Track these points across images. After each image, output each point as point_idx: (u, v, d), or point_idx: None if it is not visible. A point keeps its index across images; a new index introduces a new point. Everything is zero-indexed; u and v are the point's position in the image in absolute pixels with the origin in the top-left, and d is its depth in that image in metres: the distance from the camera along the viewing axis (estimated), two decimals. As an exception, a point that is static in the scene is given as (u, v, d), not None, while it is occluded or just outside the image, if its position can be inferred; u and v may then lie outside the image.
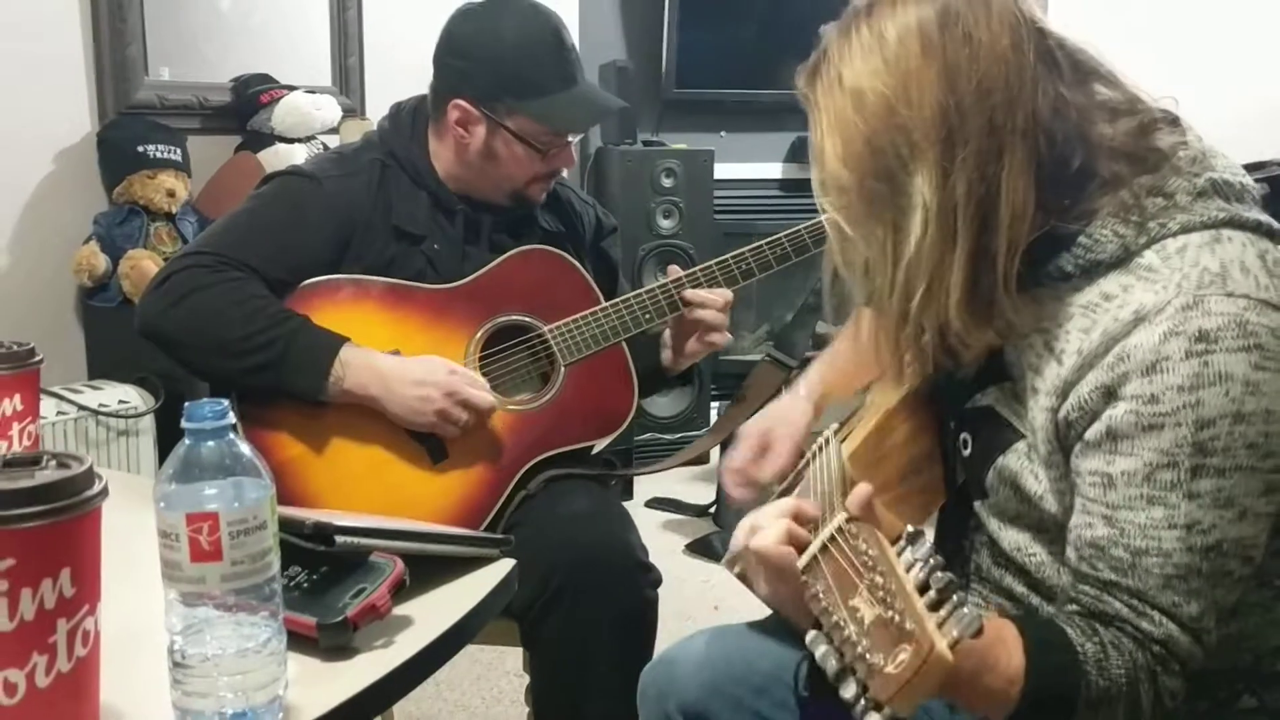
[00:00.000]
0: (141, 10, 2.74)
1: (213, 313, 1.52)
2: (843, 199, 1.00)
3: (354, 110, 3.15)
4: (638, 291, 1.70)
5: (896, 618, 0.70)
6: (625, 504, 3.33)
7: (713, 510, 3.29)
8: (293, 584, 0.95)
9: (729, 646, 1.21)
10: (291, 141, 2.79)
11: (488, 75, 1.61)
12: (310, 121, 2.81)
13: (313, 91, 2.88)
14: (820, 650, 0.75)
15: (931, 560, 0.72)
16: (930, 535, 0.82)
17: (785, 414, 1.34)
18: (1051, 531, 1.01)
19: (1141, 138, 0.97)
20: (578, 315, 1.67)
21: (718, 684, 1.17)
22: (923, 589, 0.71)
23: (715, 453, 3.35)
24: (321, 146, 2.81)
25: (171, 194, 2.60)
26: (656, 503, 3.42)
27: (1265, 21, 3.78)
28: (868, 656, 0.70)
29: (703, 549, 3.06)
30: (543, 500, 1.60)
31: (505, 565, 1.08)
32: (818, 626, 0.76)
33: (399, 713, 2.10)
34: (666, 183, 3.62)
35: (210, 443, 0.77)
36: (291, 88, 2.84)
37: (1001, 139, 0.93)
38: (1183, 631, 0.90)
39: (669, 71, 3.83)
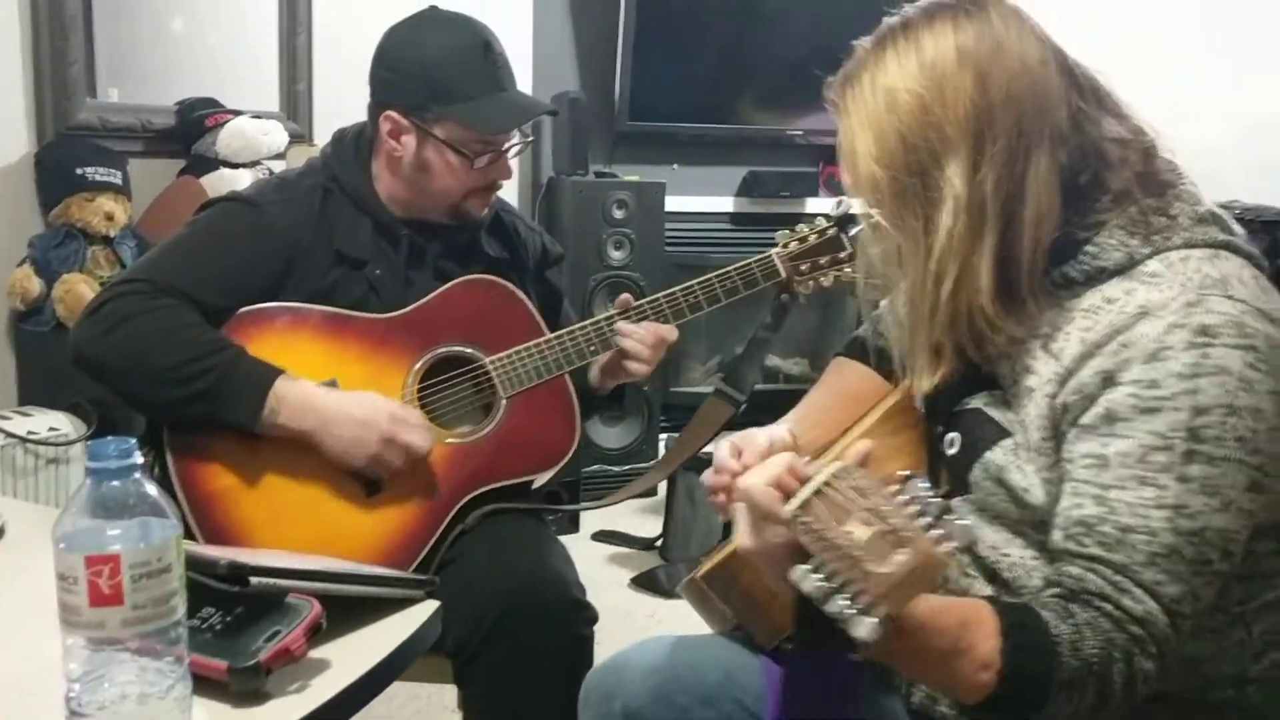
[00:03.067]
0: (88, 31, 2.69)
1: (146, 341, 1.49)
2: (876, 195, 1.04)
3: (302, 136, 3.11)
4: (582, 324, 1.69)
5: (893, 530, 0.74)
6: (571, 536, 3.32)
7: (659, 544, 3.27)
8: (205, 625, 0.92)
9: (680, 655, 1.22)
10: (237, 167, 2.75)
11: (414, 84, 1.61)
12: (256, 146, 2.78)
13: (259, 117, 2.84)
14: (807, 582, 0.78)
15: (925, 492, 0.77)
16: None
17: (764, 429, 1.32)
18: (1028, 535, 1.03)
19: (1149, 162, 1.04)
20: (520, 346, 1.65)
21: (665, 690, 1.18)
22: (918, 514, 0.76)
23: (663, 487, 3.33)
24: (268, 172, 2.77)
25: (110, 217, 2.55)
26: (603, 535, 3.39)
27: (1236, 49, 3.84)
28: (864, 565, 0.74)
29: (648, 583, 3.04)
30: (479, 536, 1.58)
31: (429, 607, 1.05)
32: (804, 563, 0.80)
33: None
34: (618, 214, 3.61)
35: (115, 482, 0.74)
36: (238, 112, 2.81)
37: (1029, 141, 0.99)
38: (1162, 611, 0.92)
39: (622, 103, 3.84)
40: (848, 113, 1.05)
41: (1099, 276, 1.00)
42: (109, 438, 0.74)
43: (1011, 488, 1.02)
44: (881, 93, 1.02)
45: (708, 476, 1.27)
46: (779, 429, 1.30)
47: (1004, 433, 1.04)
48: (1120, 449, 0.94)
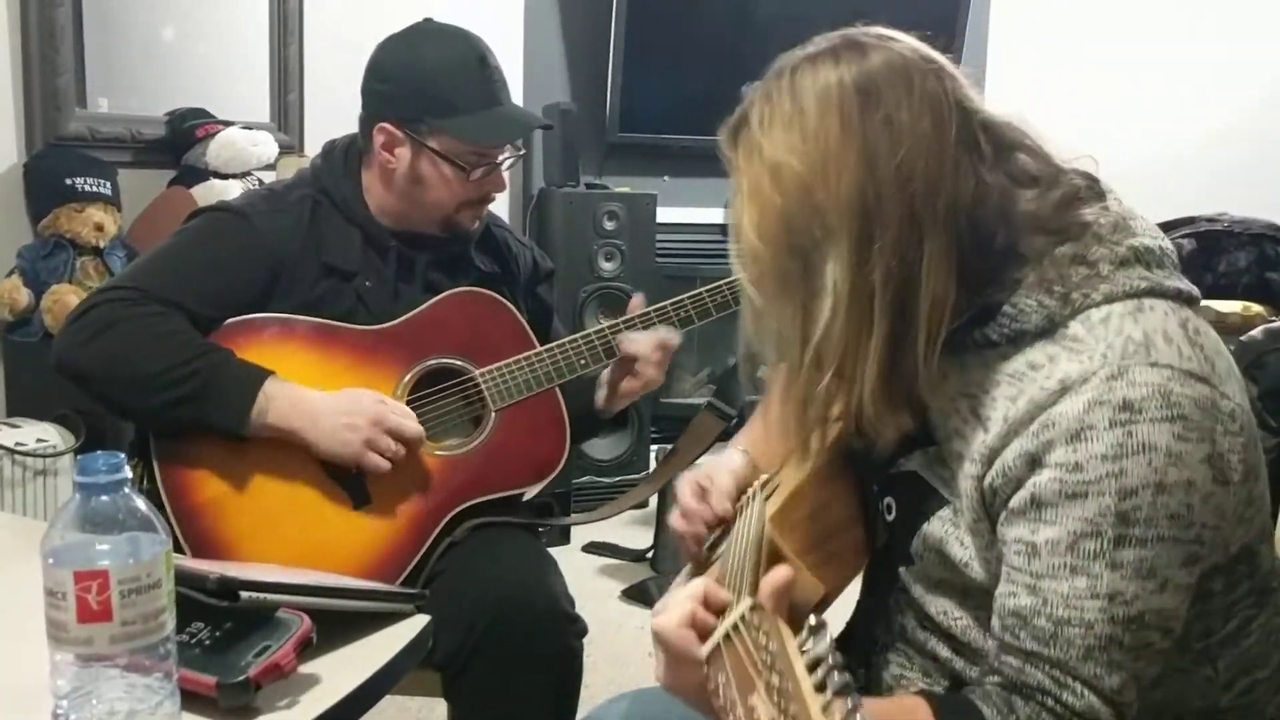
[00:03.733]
0: (79, 41, 2.70)
1: (131, 347, 1.48)
2: (756, 269, 0.97)
3: (292, 147, 3.11)
4: (573, 336, 1.69)
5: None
6: (562, 548, 3.32)
7: (650, 555, 3.27)
8: (194, 641, 0.91)
9: (652, 709, 1.18)
10: (227, 177, 2.75)
11: (409, 96, 1.61)
12: (246, 157, 2.77)
13: (250, 127, 2.84)
14: None
15: (831, 659, 0.70)
16: (834, 630, 0.79)
17: (721, 460, 1.28)
18: (977, 597, 0.99)
19: (1064, 210, 0.97)
20: (511, 359, 1.65)
21: None
22: (820, 688, 0.68)
23: (654, 499, 3.33)
24: (258, 183, 2.76)
25: (100, 228, 2.55)
26: (594, 547, 3.38)
27: (1178, 68, 3.86)
28: None
29: (639, 594, 3.03)
30: (467, 548, 1.57)
31: (419, 621, 1.05)
32: None
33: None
34: (609, 225, 3.62)
35: (104, 497, 0.74)
36: (229, 123, 2.81)
37: (922, 226, 0.91)
38: (1104, 704, 0.89)
39: (613, 115, 3.85)
40: (738, 170, 0.97)
41: (1021, 339, 0.94)
42: (98, 452, 0.74)
43: (952, 561, 0.98)
44: (767, 163, 0.94)
45: (675, 523, 1.20)
46: (735, 458, 1.24)
47: (941, 501, 0.99)
48: (1049, 536, 0.89)
